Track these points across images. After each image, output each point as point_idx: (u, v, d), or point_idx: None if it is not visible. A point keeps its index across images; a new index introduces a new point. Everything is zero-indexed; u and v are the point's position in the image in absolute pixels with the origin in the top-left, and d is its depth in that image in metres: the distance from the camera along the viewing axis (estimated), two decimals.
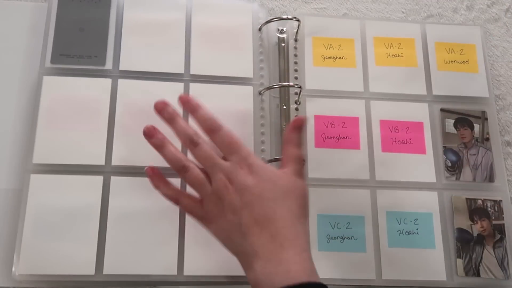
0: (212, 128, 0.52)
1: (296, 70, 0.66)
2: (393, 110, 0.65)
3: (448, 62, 0.68)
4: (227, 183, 0.49)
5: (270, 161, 0.60)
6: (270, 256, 0.45)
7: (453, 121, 0.65)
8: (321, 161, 0.62)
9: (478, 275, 0.59)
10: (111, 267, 0.55)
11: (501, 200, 0.62)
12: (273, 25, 0.67)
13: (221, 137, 0.52)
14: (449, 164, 0.63)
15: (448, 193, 0.62)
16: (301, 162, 0.52)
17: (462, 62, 0.68)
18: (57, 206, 0.56)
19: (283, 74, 0.66)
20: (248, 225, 0.47)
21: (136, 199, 0.57)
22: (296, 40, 0.67)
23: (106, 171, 0.58)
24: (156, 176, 0.54)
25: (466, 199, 0.62)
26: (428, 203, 0.61)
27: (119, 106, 0.60)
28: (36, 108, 0.59)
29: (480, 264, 0.59)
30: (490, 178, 0.63)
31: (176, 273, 0.55)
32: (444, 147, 0.64)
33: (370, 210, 0.61)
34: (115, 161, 0.58)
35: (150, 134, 0.54)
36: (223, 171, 0.50)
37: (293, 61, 0.66)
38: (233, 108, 0.62)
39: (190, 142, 0.52)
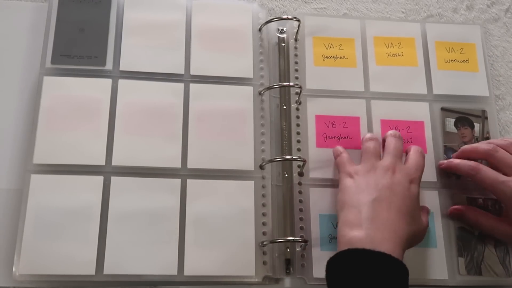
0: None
1: (296, 70, 0.66)
2: (394, 110, 0.65)
3: (448, 61, 0.68)
4: None
5: (270, 161, 0.60)
6: None
7: (453, 120, 0.65)
8: (323, 161, 0.62)
9: (480, 273, 0.59)
10: (112, 267, 0.54)
11: None
12: (273, 25, 0.67)
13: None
14: None
15: (449, 192, 0.62)
16: None
17: (462, 61, 0.68)
18: (57, 206, 0.56)
19: (283, 74, 0.66)
20: None
21: (136, 199, 0.57)
22: (296, 40, 0.67)
23: (107, 171, 0.58)
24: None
25: (467, 198, 0.62)
26: (429, 202, 0.61)
27: (119, 106, 0.60)
28: (36, 109, 0.59)
29: (482, 262, 0.59)
30: None
31: (176, 273, 0.55)
32: (445, 146, 0.64)
33: None
34: (115, 161, 0.58)
35: None
36: None
37: (294, 61, 0.66)
38: (233, 108, 0.62)
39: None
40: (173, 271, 0.55)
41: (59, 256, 0.54)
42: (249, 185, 0.59)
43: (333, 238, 0.59)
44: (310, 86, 0.65)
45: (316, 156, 0.62)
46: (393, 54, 0.68)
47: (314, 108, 0.64)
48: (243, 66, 0.64)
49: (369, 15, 0.72)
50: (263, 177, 0.60)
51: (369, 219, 0.51)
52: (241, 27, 0.66)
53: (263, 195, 0.59)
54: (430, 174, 0.62)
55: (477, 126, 0.65)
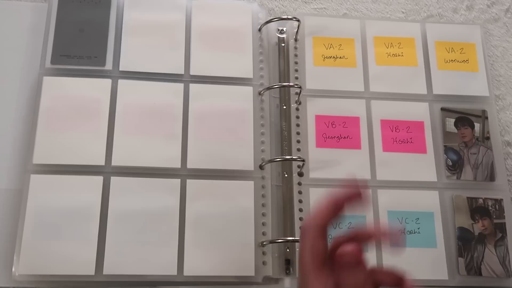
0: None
1: (296, 70, 0.66)
2: (394, 110, 0.65)
3: (448, 61, 0.68)
4: None
5: (270, 161, 0.60)
6: None
7: (453, 120, 0.65)
8: (322, 161, 0.62)
9: (480, 273, 0.59)
10: (111, 267, 0.54)
11: (502, 199, 0.62)
12: (273, 25, 0.67)
13: None
14: (450, 163, 0.63)
15: (449, 192, 0.62)
16: None
17: (462, 61, 0.68)
18: (57, 206, 0.56)
19: (283, 74, 0.66)
20: None
21: (136, 199, 0.57)
22: (296, 40, 0.67)
23: (106, 171, 0.58)
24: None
25: (467, 198, 0.62)
26: (429, 202, 0.61)
27: (119, 106, 0.60)
28: (36, 109, 0.59)
29: (482, 262, 0.59)
30: (491, 177, 0.63)
31: (176, 273, 0.55)
32: (445, 146, 0.64)
33: (371, 209, 0.60)
34: (115, 162, 0.58)
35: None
36: None
37: (294, 61, 0.66)
38: (233, 108, 0.62)
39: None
40: (173, 271, 0.55)
41: (59, 256, 0.54)
42: (249, 185, 0.59)
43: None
44: (310, 86, 0.65)
45: (316, 156, 0.62)
46: (393, 54, 0.68)
47: (314, 108, 0.64)
48: (243, 66, 0.64)
49: (369, 15, 0.72)
50: (263, 177, 0.60)
51: None
52: (241, 27, 0.66)
53: (263, 195, 0.59)
54: (430, 174, 0.62)
55: (477, 126, 0.65)
